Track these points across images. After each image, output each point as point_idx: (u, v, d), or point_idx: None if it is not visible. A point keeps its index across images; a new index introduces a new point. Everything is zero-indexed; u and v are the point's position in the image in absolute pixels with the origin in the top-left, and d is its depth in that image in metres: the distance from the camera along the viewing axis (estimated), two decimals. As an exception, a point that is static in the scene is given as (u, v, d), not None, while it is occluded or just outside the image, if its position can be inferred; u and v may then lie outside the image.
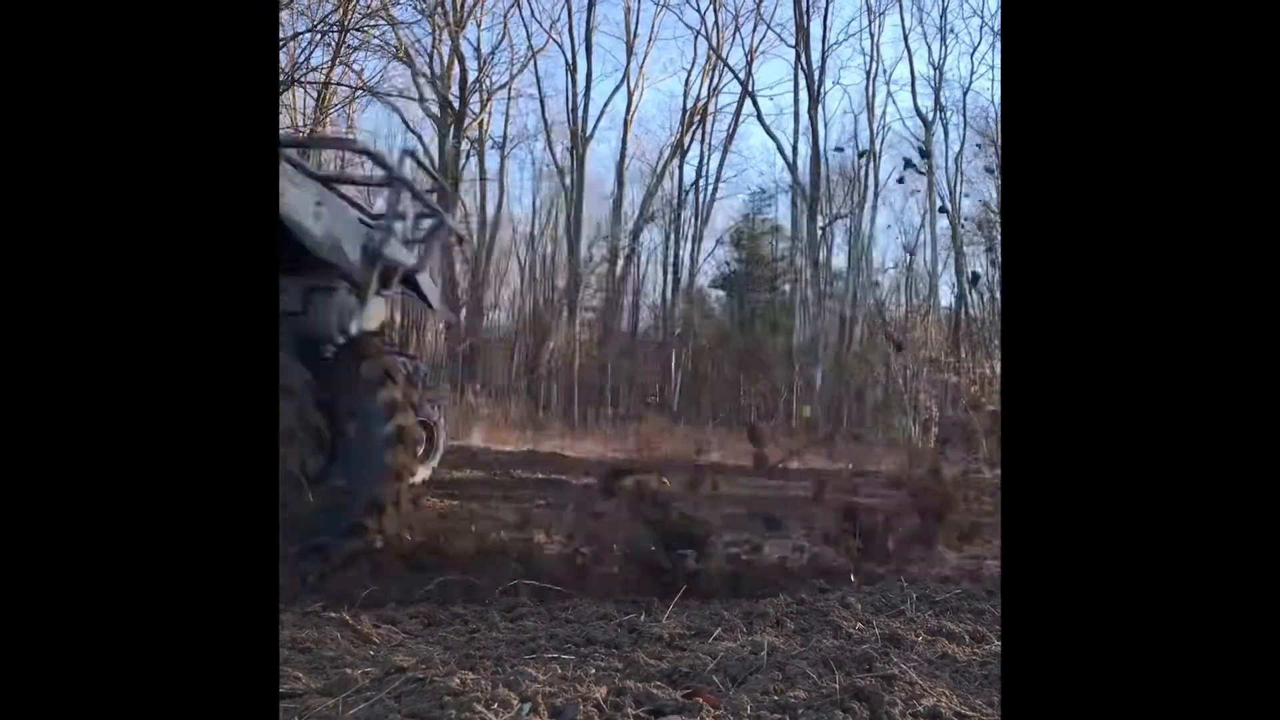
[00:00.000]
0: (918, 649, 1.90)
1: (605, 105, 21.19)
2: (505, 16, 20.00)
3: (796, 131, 19.86)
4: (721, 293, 25.32)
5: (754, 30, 20.58)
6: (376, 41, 15.22)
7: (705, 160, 22.09)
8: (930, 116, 20.26)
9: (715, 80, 21.65)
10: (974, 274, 20.01)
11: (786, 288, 22.71)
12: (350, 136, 4.40)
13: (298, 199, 3.18)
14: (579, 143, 20.50)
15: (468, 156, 19.46)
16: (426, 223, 3.88)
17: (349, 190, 3.85)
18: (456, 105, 18.59)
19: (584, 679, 1.60)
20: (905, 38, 20.74)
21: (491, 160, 20.81)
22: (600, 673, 1.68)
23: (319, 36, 13.20)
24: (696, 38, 20.94)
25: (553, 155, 21.54)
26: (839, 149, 20.77)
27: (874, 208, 21.43)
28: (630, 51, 21.16)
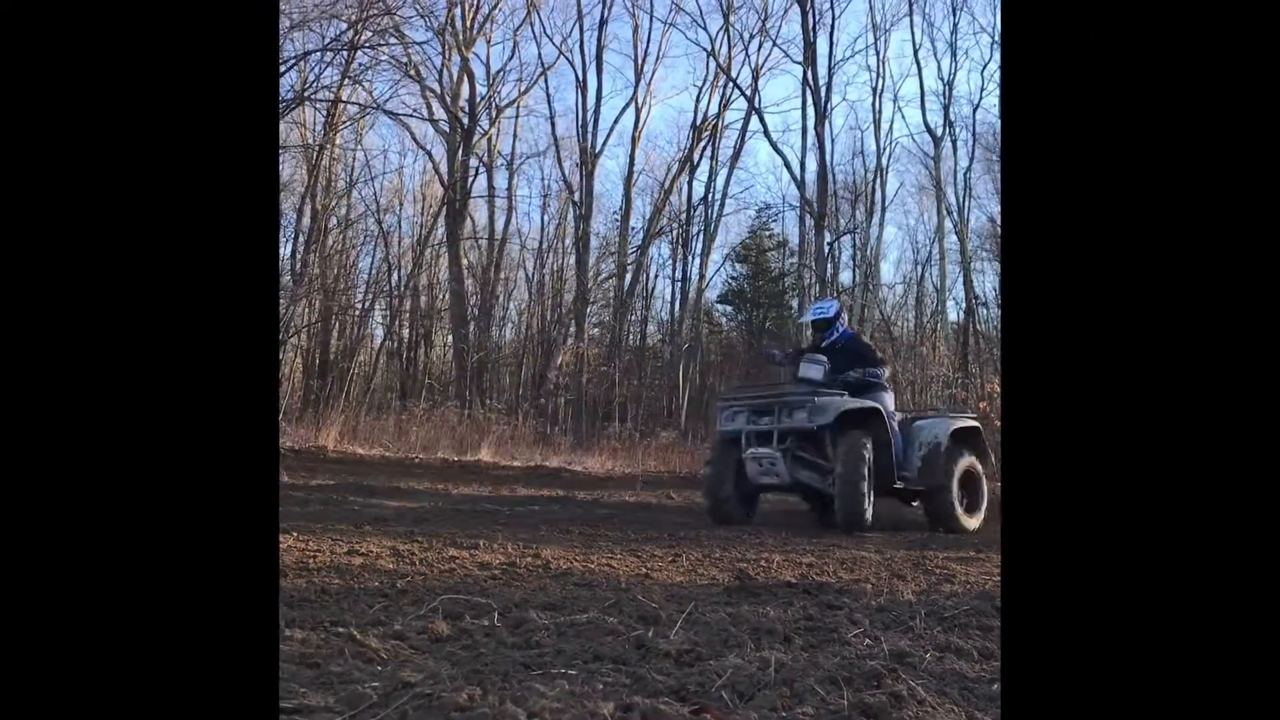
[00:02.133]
0: (926, 665, 1.89)
1: (614, 122, 21.31)
2: (515, 34, 20.17)
3: (804, 147, 19.91)
4: (729, 307, 25.34)
5: (760, 47, 20.70)
6: (386, 59, 15.34)
7: (713, 176, 22.17)
8: (939, 132, 20.28)
9: (724, 97, 21.76)
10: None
11: (794, 303, 22.72)
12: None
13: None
14: (588, 159, 20.59)
15: (476, 173, 19.55)
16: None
17: None
18: (466, 122, 18.69)
19: (591, 695, 1.60)
20: (915, 53, 20.83)
21: (500, 177, 20.92)
22: (608, 688, 1.67)
23: (330, 55, 13.32)
24: (708, 58, 21.05)
25: (562, 171, 21.66)
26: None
27: (881, 223, 21.46)
28: (639, 69, 21.28)
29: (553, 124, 21.05)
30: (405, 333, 21.72)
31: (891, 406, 6.67)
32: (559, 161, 21.48)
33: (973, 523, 6.59)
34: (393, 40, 14.86)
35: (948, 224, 20.69)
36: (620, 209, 21.77)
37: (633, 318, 22.91)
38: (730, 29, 20.69)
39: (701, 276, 22.31)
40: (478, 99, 19.07)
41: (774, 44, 20.50)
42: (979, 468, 6.84)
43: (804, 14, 19.28)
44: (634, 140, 21.38)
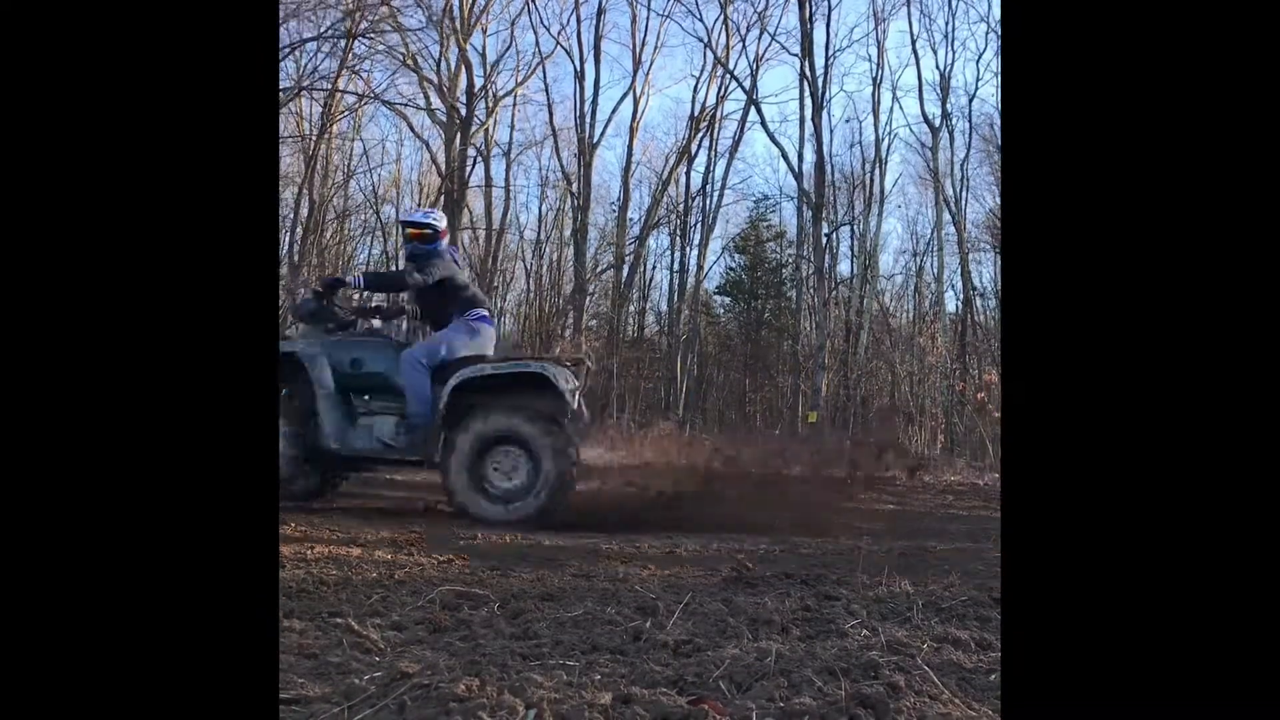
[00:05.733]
0: (924, 656, 1.89)
1: (612, 112, 21.24)
2: (512, 24, 20.10)
3: (802, 138, 19.87)
4: (727, 298, 25.33)
5: (759, 38, 20.63)
6: (383, 48, 15.28)
7: (711, 166, 22.13)
8: (937, 123, 20.25)
9: (721, 87, 21.71)
10: None
11: (792, 293, 22.71)
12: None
13: None
14: (586, 149, 20.54)
15: (474, 163, 19.49)
16: None
17: None
18: (463, 112, 18.63)
19: (589, 685, 1.60)
20: (913, 43, 20.77)
21: (498, 167, 20.87)
22: (605, 679, 1.68)
23: (327, 45, 13.26)
24: (705, 48, 20.99)
25: (560, 162, 21.61)
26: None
27: (879, 214, 21.44)
28: (637, 59, 21.21)
29: (550, 114, 20.99)
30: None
31: None
32: (557, 152, 21.44)
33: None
34: (387, 28, 14.79)
35: (945, 215, 20.67)
36: (618, 200, 21.75)
37: (631, 309, 22.92)
38: (728, 20, 20.63)
39: (699, 267, 22.29)
40: (475, 89, 19.02)
41: (771, 37, 20.45)
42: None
43: (801, 4, 19.21)
44: (632, 131, 21.33)
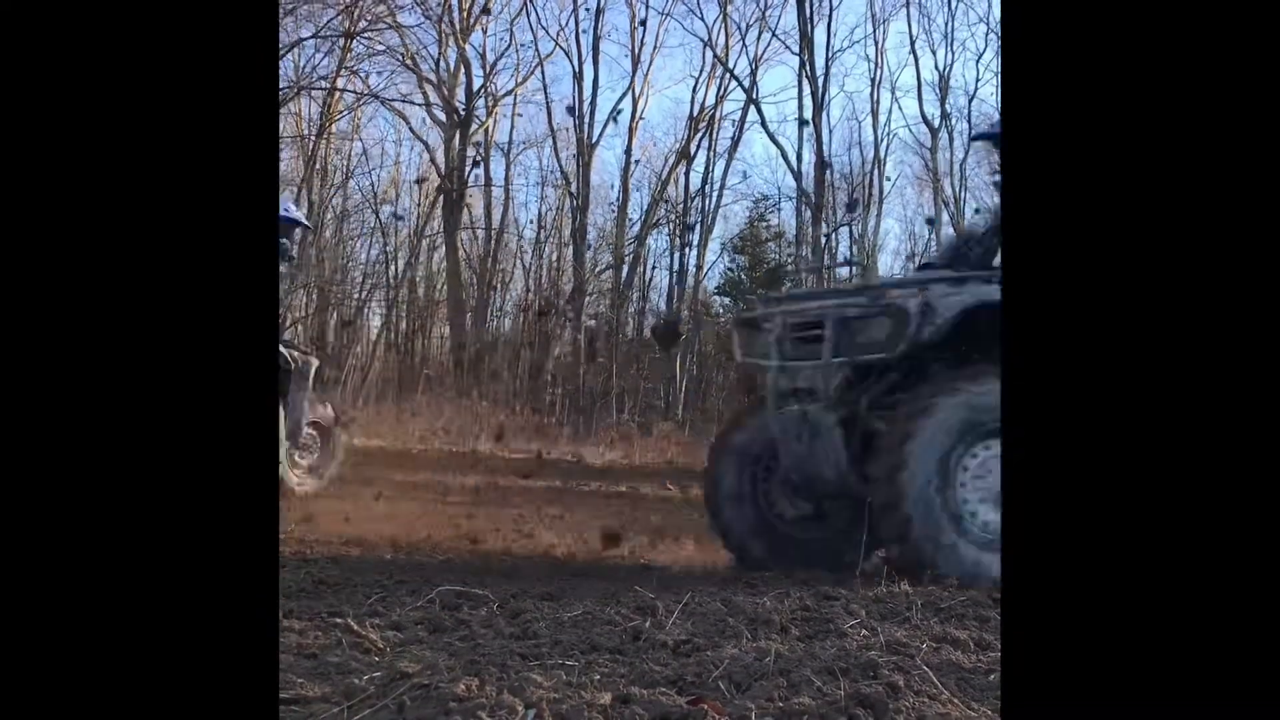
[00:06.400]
0: (923, 656, 1.89)
1: (611, 112, 21.19)
2: (511, 24, 20.07)
3: (801, 138, 19.87)
4: (726, 298, 25.32)
5: (759, 37, 20.62)
6: (382, 47, 15.28)
7: (711, 167, 22.12)
8: (936, 123, 20.26)
9: (721, 87, 21.69)
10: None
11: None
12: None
13: None
14: (585, 149, 20.52)
15: (473, 163, 19.45)
16: None
17: None
18: (462, 111, 18.61)
19: (588, 685, 1.60)
20: (912, 44, 20.77)
21: (497, 166, 20.84)
22: (605, 679, 1.68)
23: (327, 44, 13.25)
24: (706, 48, 20.98)
25: (558, 162, 21.57)
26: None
27: (879, 214, 21.45)
28: (636, 59, 21.20)
29: (549, 113, 20.95)
30: (403, 324, 21.68)
31: None
32: (556, 152, 21.41)
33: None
34: (385, 24, 14.77)
35: (944, 215, 20.67)
36: (617, 200, 21.73)
37: (630, 309, 22.90)
38: (727, 19, 20.62)
39: (699, 268, 22.29)
40: (474, 89, 19.01)
41: (772, 34, 20.43)
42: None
43: (800, 4, 19.21)
44: (631, 131, 21.31)
